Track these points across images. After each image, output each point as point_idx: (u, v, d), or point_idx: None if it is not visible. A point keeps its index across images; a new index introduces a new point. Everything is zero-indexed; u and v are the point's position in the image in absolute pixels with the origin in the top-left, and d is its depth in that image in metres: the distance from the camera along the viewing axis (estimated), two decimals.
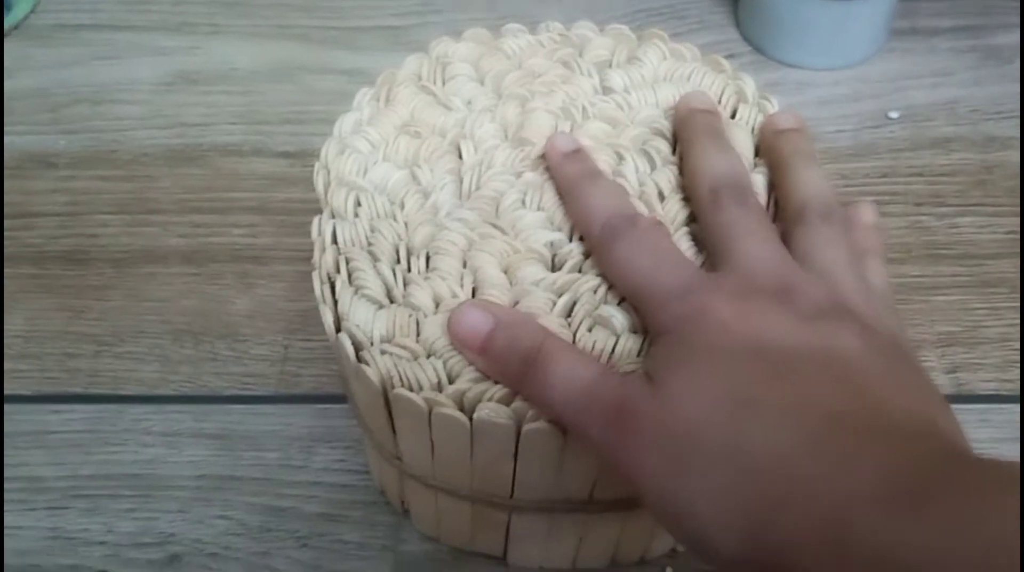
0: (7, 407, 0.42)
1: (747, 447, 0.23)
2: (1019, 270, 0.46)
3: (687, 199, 0.32)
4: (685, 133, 0.33)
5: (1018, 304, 0.45)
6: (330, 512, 0.38)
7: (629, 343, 0.28)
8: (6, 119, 0.54)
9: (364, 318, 0.29)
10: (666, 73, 0.37)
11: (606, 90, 0.36)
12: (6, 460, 0.40)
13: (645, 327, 0.28)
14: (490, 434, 0.28)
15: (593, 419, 0.26)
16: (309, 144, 0.52)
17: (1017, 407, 0.41)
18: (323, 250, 0.31)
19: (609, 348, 0.28)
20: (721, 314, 0.26)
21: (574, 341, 0.29)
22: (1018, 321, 0.44)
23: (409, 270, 0.30)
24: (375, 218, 0.32)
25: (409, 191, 0.33)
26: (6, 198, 0.50)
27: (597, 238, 0.29)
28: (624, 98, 0.36)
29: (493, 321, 0.28)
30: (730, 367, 0.25)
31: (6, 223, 0.49)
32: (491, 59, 0.37)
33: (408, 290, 0.30)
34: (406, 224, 0.32)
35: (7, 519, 0.39)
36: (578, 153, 0.32)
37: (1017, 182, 0.50)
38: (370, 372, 0.28)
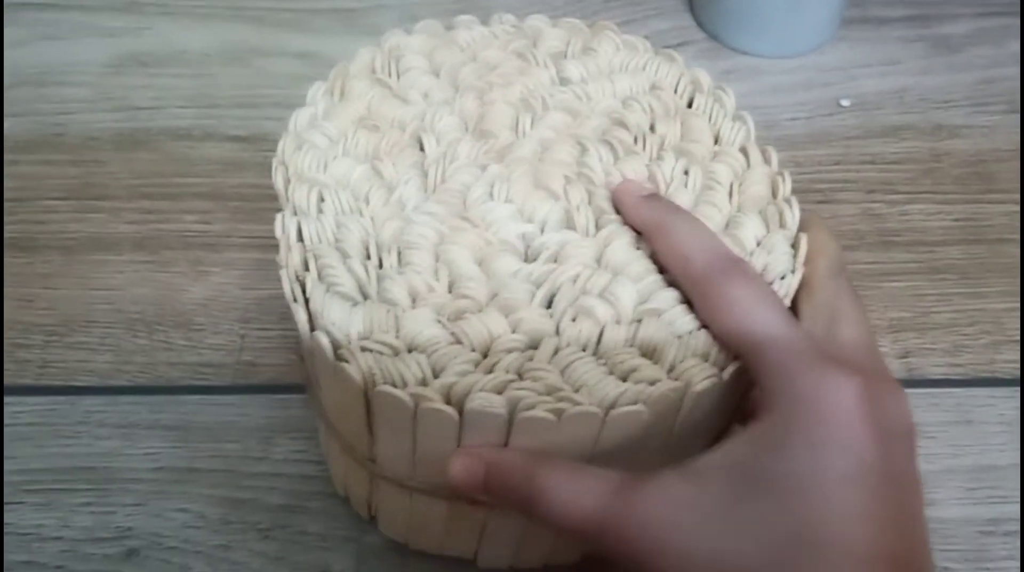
0: None
1: None
2: (967, 257, 0.47)
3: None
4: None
5: (966, 290, 0.46)
6: (291, 503, 0.38)
7: (616, 333, 0.28)
8: None
9: (340, 316, 0.28)
10: (622, 64, 0.37)
11: (563, 81, 0.36)
12: None
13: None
14: (481, 426, 0.27)
15: (617, 548, 0.26)
16: (261, 128, 0.51)
17: (966, 390, 0.42)
18: (289, 249, 0.30)
19: (595, 339, 0.28)
20: (839, 410, 0.25)
21: (557, 332, 0.28)
22: (966, 306, 0.45)
23: (381, 266, 0.30)
24: (340, 214, 0.31)
25: (373, 186, 0.32)
26: None
27: (702, 271, 0.28)
28: (582, 89, 0.36)
29: (482, 464, 0.28)
30: (821, 494, 0.24)
31: None
32: (445, 51, 0.37)
33: (383, 285, 0.29)
34: (373, 219, 0.31)
35: None
36: (655, 195, 0.31)
37: (962, 170, 0.51)
38: (351, 370, 0.27)
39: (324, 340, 0.28)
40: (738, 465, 0.25)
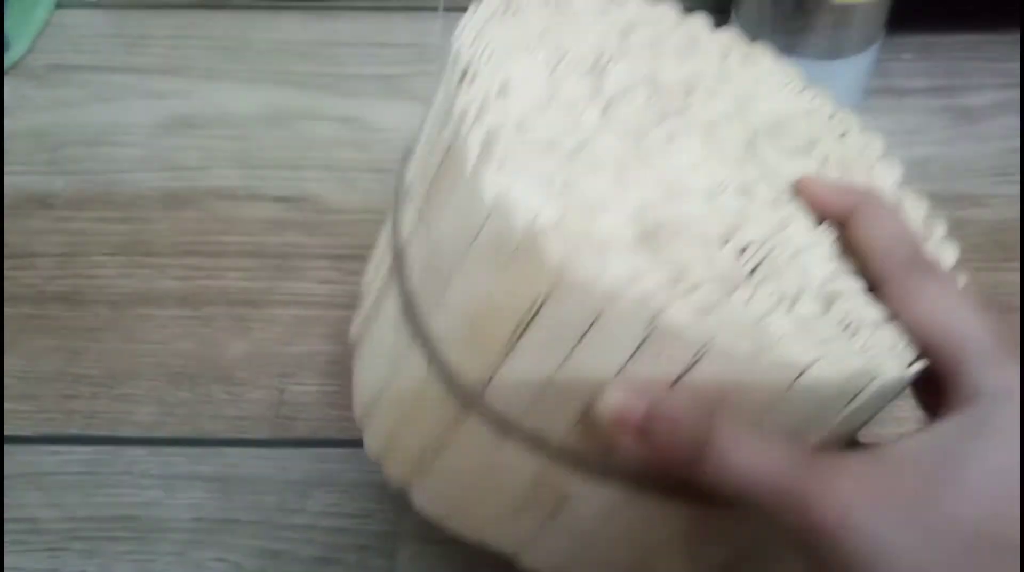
0: (5, 448, 0.42)
1: None
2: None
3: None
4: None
5: None
6: (326, 555, 0.39)
7: (809, 304, 0.27)
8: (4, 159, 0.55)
9: (532, 199, 0.25)
10: (781, 81, 0.36)
11: (727, 77, 0.35)
12: (4, 501, 0.41)
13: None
14: (667, 347, 0.25)
15: (801, 524, 0.24)
16: (303, 189, 0.53)
17: None
18: (469, 128, 0.27)
19: (788, 300, 0.26)
20: None
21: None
22: None
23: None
24: (525, 107, 0.28)
25: (553, 97, 0.30)
26: (4, 238, 0.51)
27: (903, 264, 0.28)
28: (744, 88, 0.34)
29: (645, 401, 0.25)
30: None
31: (5, 263, 0.49)
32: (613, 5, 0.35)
33: (575, 186, 0.26)
34: (553, 127, 0.28)
35: (6, 560, 0.39)
36: (849, 185, 0.31)
37: (984, 239, 0.52)
38: (549, 249, 0.24)
39: (519, 206, 0.24)
40: (936, 456, 0.25)
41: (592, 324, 0.25)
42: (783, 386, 0.25)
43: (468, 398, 0.28)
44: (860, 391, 0.26)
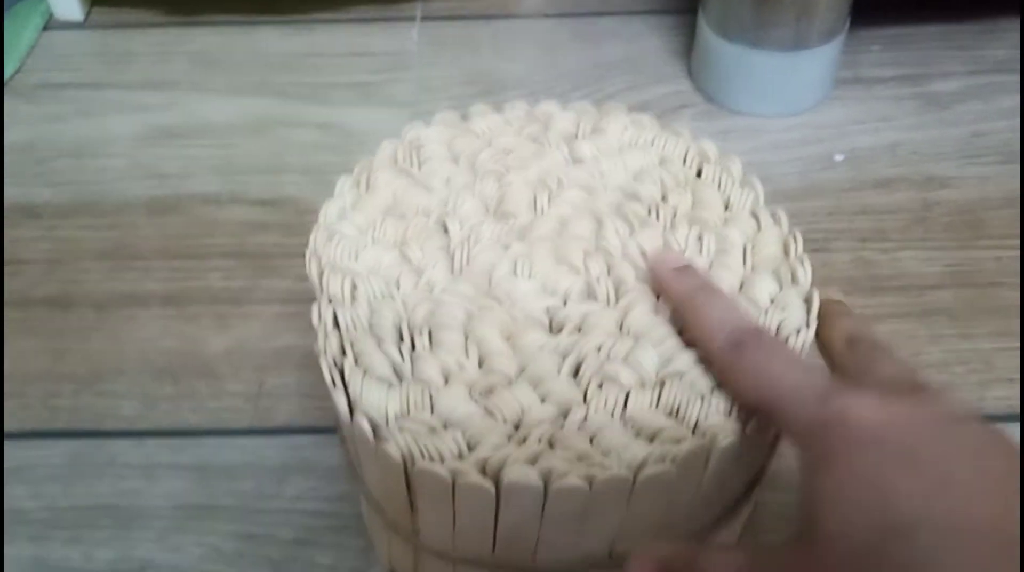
0: None
1: None
2: (957, 300, 0.49)
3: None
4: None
5: (956, 331, 0.47)
6: (303, 537, 0.40)
7: (641, 397, 0.29)
8: None
9: (377, 398, 0.29)
10: (631, 140, 0.38)
11: (576, 160, 0.37)
12: None
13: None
14: (517, 497, 0.28)
15: None
16: (283, 192, 0.55)
17: None
18: (326, 336, 0.31)
19: (621, 404, 0.29)
20: (867, 418, 0.25)
21: (584, 400, 0.30)
22: (956, 347, 0.47)
23: (413, 348, 0.31)
24: (373, 300, 0.32)
25: (403, 271, 0.33)
26: None
27: (721, 348, 0.29)
28: (595, 166, 0.37)
29: (655, 565, 0.28)
30: (883, 485, 0.24)
31: None
32: (463, 140, 0.38)
33: (416, 366, 0.30)
34: (404, 303, 0.32)
35: None
36: (688, 268, 0.32)
37: (953, 218, 0.53)
38: (391, 449, 0.28)
39: (364, 423, 0.28)
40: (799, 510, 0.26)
41: (452, 493, 0.28)
42: (625, 492, 0.28)
43: (410, 539, 0.33)
44: (706, 463, 0.29)
